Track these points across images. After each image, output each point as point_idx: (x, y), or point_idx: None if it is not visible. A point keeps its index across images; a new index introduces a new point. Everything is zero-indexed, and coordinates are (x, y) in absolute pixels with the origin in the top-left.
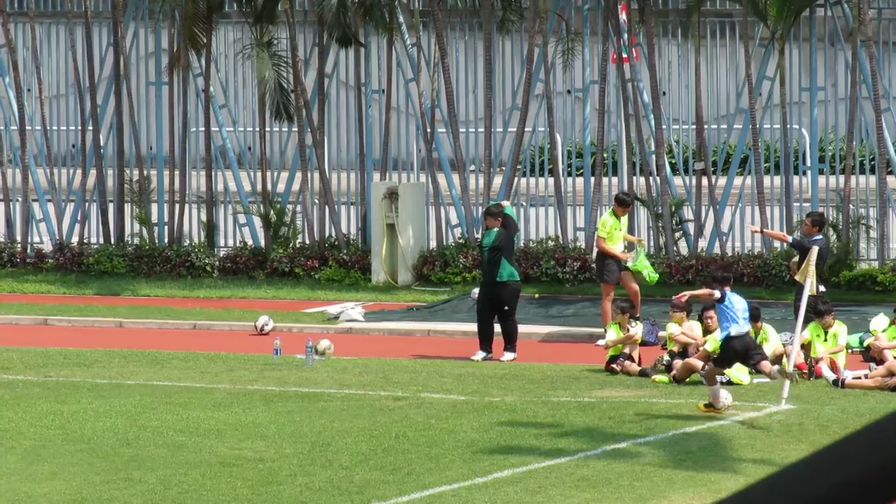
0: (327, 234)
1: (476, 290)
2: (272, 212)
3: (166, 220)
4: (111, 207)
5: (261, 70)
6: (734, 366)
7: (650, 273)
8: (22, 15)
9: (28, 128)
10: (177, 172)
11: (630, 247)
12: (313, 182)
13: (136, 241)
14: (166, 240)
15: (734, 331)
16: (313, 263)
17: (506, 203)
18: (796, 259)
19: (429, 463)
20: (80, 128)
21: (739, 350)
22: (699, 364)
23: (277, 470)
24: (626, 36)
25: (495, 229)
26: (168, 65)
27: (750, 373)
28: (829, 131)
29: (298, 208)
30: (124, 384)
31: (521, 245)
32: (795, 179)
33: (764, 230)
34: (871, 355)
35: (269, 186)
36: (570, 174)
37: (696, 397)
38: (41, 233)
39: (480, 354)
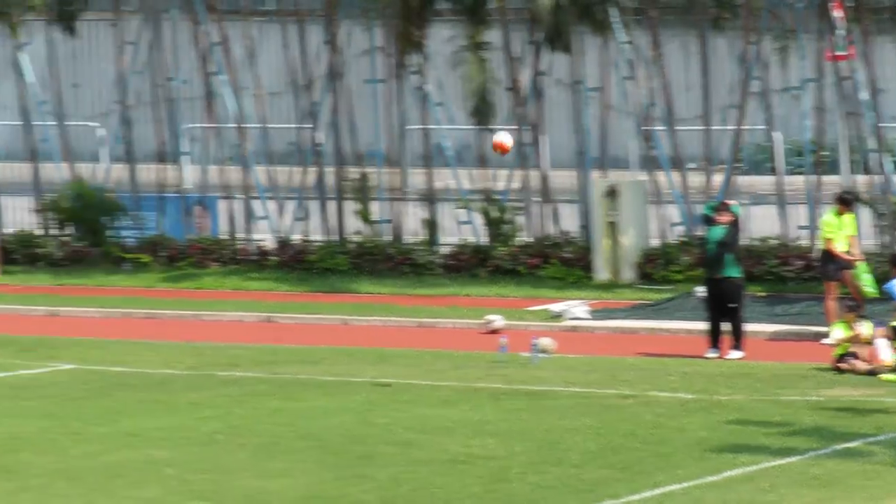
0: (547, 231)
1: (700, 288)
2: (493, 209)
3: (387, 217)
4: (331, 205)
5: (471, 76)
6: None
7: (867, 287)
8: (235, 13)
9: (246, 125)
10: (395, 170)
11: None
12: (532, 180)
13: (357, 238)
14: (389, 237)
15: None
16: (535, 261)
17: (732, 202)
18: None
19: (659, 461)
20: (300, 125)
21: None
22: None
23: (508, 468)
24: (840, 33)
25: (724, 225)
26: (390, 64)
27: None
28: None
29: (518, 205)
30: (351, 381)
31: (744, 243)
32: None
33: None
34: None
35: (488, 184)
36: (790, 172)
37: None
38: (261, 230)
39: (711, 352)
